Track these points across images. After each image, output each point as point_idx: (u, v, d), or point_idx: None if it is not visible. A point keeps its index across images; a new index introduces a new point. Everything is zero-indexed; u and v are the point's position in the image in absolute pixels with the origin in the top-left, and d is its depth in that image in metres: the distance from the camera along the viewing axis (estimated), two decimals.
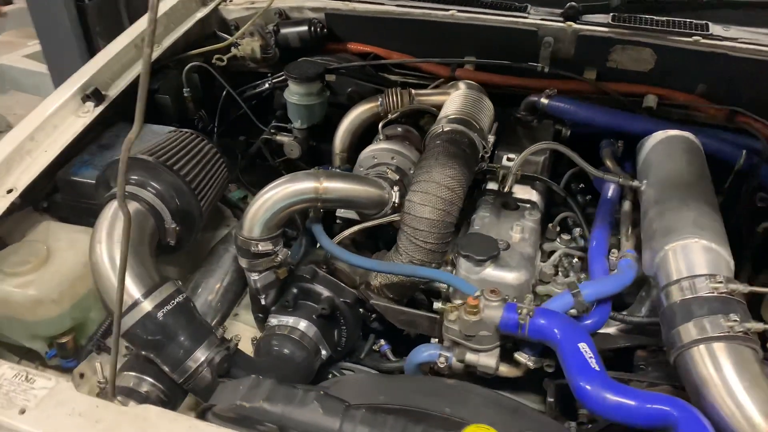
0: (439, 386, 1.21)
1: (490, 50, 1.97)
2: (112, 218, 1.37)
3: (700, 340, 1.13)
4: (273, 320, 1.53)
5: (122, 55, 1.87)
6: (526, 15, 1.94)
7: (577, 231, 1.66)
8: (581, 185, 1.87)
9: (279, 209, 1.43)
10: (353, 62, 2.05)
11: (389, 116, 1.79)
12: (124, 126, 1.80)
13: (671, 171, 1.51)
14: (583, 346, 1.22)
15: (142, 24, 1.96)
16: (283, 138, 2.00)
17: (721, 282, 1.17)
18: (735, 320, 1.12)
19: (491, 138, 1.59)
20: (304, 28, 2.04)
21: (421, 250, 1.49)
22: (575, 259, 1.56)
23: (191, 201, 1.47)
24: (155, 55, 1.91)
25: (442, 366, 1.44)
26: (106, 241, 1.33)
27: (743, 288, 1.16)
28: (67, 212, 1.65)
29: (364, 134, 1.91)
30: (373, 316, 1.63)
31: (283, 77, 1.98)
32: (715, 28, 1.85)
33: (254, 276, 1.49)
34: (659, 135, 1.68)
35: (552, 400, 1.36)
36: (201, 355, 1.26)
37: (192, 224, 1.50)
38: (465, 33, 1.97)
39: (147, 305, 1.25)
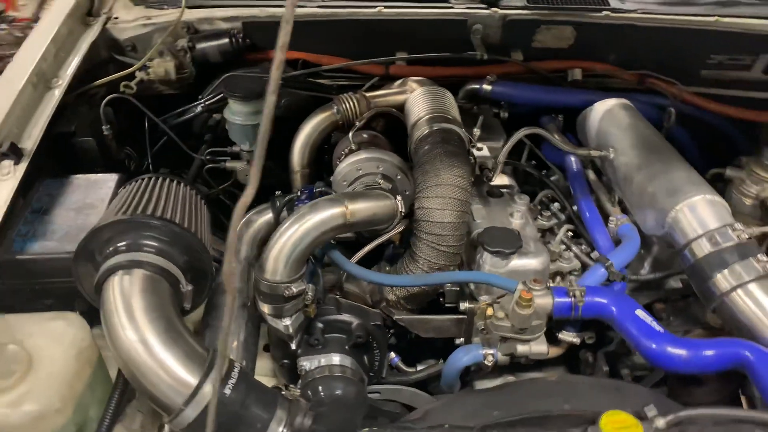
0: (543, 386, 1.22)
1: (421, 43, 1.97)
2: (123, 295, 1.14)
3: (739, 285, 1.27)
4: (305, 363, 1.40)
5: (22, 99, 1.54)
6: (451, 5, 1.96)
7: (555, 206, 1.75)
8: (533, 161, 1.97)
9: (307, 244, 1.30)
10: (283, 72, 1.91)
11: (357, 123, 1.71)
12: (51, 183, 1.50)
13: (638, 137, 1.65)
14: (639, 313, 1.30)
15: (31, 58, 1.62)
16: (234, 164, 1.81)
17: (740, 229, 1.32)
18: (764, 260, 1.28)
19: (476, 131, 1.60)
20: (225, 40, 1.86)
21: (442, 255, 1.46)
22: (570, 233, 1.65)
23: (202, 256, 1.27)
24: (57, 95, 1.60)
25: (489, 364, 1.45)
26: (131, 324, 1.10)
27: (757, 231, 1.33)
28: (13, 299, 1.34)
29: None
30: (391, 331, 1.57)
31: (217, 98, 1.79)
32: (614, 2, 2.04)
33: (285, 321, 1.35)
34: (603, 105, 1.82)
35: (608, 368, 1.43)
36: (281, 418, 1.12)
37: (204, 282, 1.30)
38: (395, 29, 1.95)
39: (211, 385, 1.08)
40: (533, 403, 1.13)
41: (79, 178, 1.52)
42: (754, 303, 1.26)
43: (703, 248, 1.34)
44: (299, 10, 1.92)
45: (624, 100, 1.84)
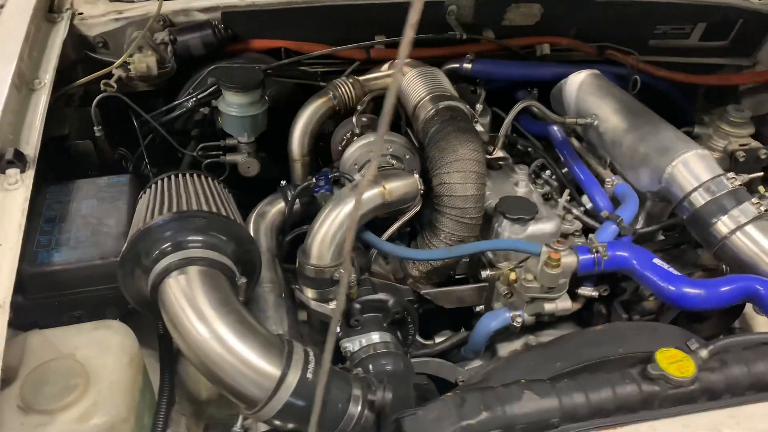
0: (593, 335, 1.30)
1: (399, 27, 1.98)
2: (186, 294, 1.11)
3: (737, 228, 1.43)
4: (348, 345, 1.42)
5: (11, 104, 1.43)
6: None
7: (547, 174, 1.85)
8: (513, 134, 2.07)
9: (352, 224, 1.32)
10: (263, 61, 1.89)
11: (358, 107, 1.72)
12: (57, 189, 1.42)
13: (618, 103, 1.78)
14: (657, 261, 1.43)
15: (7, 59, 1.51)
16: (234, 157, 1.77)
17: (734, 177, 1.48)
18: (757, 202, 1.43)
19: (479, 107, 1.67)
20: (208, 31, 1.80)
21: (466, 227, 1.52)
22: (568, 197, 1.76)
23: (251, 247, 1.26)
24: (43, 98, 1.50)
25: (518, 325, 1.54)
26: (202, 322, 1.08)
27: (747, 177, 1.49)
28: (38, 314, 1.27)
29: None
30: (416, 305, 1.62)
31: (209, 91, 1.75)
32: None
33: (332, 305, 1.36)
34: (577, 77, 1.94)
35: (626, 316, 1.56)
36: (357, 396, 1.13)
37: (253, 273, 1.29)
38: (373, 13, 1.97)
39: (294, 373, 1.08)
40: (589, 351, 1.22)
41: (86, 182, 1.45)
42: (753, 242, 1.42)
43: (700, 199, 1.49)
44: None
45: (595, 71, 1.97)
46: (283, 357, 1.09)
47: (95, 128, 1.59)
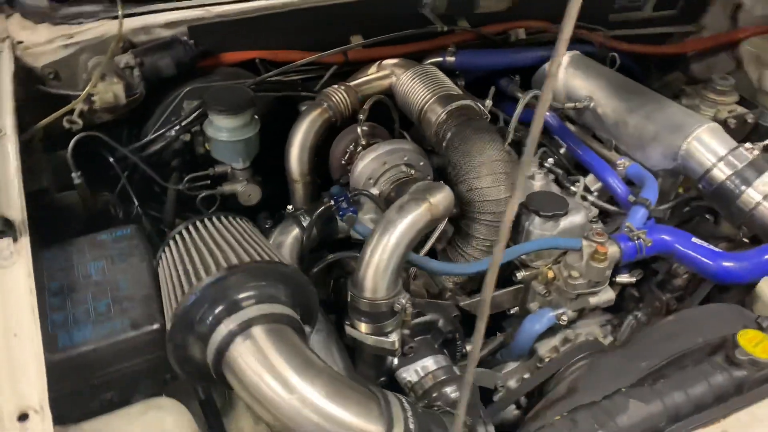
0: (668, 328, 1.27)
1: (375, 24, 1.89)
2: (261, 361, 0.97)
3: (765, 197, 1.45)
4: (405, 375, 1.32)
5: None
6: None
7: (550, 161, 1.82)
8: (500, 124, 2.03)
9: (403, 251, 1.21)
10: (239, 75, 1.72)
11: (361, 117, 1.60)
12: (52, 255, 1.21)
13: (612, 82, 1.78)
14: (696, 240, 1.43)
15: None
16: (232, 186, 1.60)
17: (751, 147, 1.50)
18: None
19: (489, 102, 1.60)
20: (179, 49, 1.61)
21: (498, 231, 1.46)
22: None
23: (308, 289, 1.12)
24: (11, 148, 1.28)
25: (564, 324, 1.50)
26: (286, 390, 0.94)
27: (760, 145, 1.52)
28: (64, 406, 1.08)
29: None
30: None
31: (194, 116, 1.56)
32: None
33: (391, 337, 1.25)
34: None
35: (665, 297, 1.55)
36: None
37: (311, 318, 1.16)
38: (347, 12, 1.84)
39: (399, 428, 0.97)
40: (669, 346, 1.19)
41: (84, 241, 1.25)
42: None
43: (722, 173, 1.50)
44: (245, 5, 1.73)
45: (575, 52, 1.95)
46: (381, 411, 0.98)
47: (73, 175, 1.37)
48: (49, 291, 1.13)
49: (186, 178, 1.60)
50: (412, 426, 0.99)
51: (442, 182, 1.41)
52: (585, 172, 1.81)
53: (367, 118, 1.76)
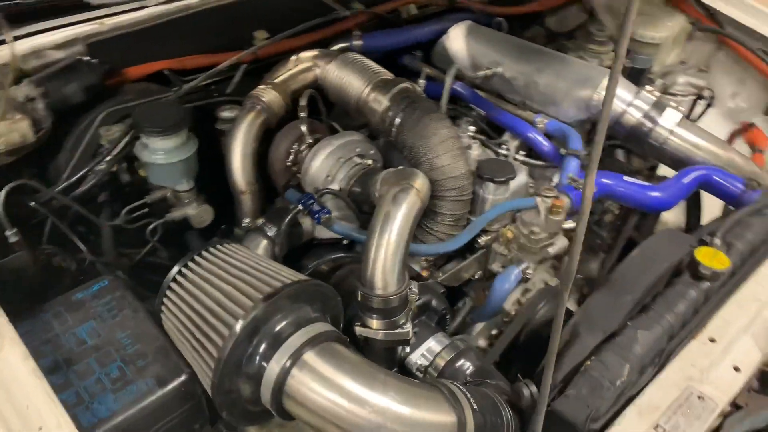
0: (637, 260, 1.39)
1: (277, 16, 1.82)
2: (328, 386, 0.94)
3: (671, 132, 1.66)
4: (416, 361, 1.35)
5: None
6: None
7: (472, 129, 1.90)
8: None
9: (407, 241, 1.22)
10: (151, 91, 1.57)
11: (301, 114, 1.54)
12: (29, 327, 1.05)
13: (515, 47, 1.89)
14: (627, 179, 1.61)
15: None
16: (183, 210, 1.46)
17: (650, 89, 1.70)
18: (675, 106, 1.68)
19: (422, 82, 1.62)
20: (86, 72, 1.43)
21: (464, 203, 1.52)
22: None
23: (336, 299, 1.09)
24: None
25: (530, 277, 1.61)
26: (362, 407, 0.93)
27: (659, 85, 1.72)
28: None
29: None
30: None
31: (123, 144, 1.41)
32: None
33: (406, 327, 1.26)
34: (457, 30, 1.99)
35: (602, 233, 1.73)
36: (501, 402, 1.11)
37: (338, 325, 1.13)
38: (250, 8, 1.75)
39: (467, 411, 1.00)
40: (645, 276, 1.34)
41: (55, 306, 1.10)
42: (684, 141, 1.67)
43: (632, 117, 1.69)
44: (144, 13, 1.58)
45: (469, 22, 2.04)
46: (447, 401, 1.01)
47: (9, 233, 1.18)
48: (44, 369, 0.99)
49: (124, 211, 1.45)
50: (475, 406, 1.03)
51: (411, 168, 1.43)
52: (500, 135, 1.93)
53: (289, 114, 1.71)
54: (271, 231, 1.43)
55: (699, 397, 1.14)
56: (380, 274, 1.20)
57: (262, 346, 0.96)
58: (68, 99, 1.42)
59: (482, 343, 1.74)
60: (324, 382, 0.95)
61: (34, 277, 1.17)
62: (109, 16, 1.52)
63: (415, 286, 1.29)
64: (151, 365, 1.02)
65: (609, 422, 1.11)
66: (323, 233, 1.53)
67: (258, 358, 0.96)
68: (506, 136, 1.92)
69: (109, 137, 1.45)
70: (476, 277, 1.69)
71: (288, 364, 0.95)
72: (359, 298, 1.23)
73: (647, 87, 1.72)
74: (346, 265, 1.54)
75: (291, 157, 1.59)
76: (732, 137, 2.10)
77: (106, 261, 1.38)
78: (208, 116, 1.67)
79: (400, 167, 1.41)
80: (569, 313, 1.62)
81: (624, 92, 1.71)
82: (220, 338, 0.95)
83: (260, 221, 1.45)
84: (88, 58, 1.47)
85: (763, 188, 1.58)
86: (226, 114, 1.65)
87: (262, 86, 1.60)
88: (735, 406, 1.21)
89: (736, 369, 1.22)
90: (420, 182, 1.30)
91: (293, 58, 1.74)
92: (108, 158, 1.39)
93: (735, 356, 1.23)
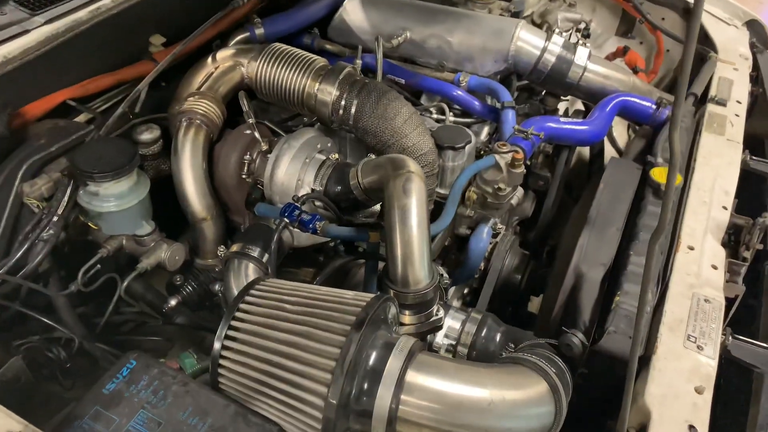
0: (608, 193, 1.48)
1: (169, 17, 1.62)
2: (436, 401, 0.92)
3: (585, 69, 1.79)
4: (442, 342, 1.35)
5: None
6: None
7: None
8: None
9: (428, 232, 1.20)
10: (68, 129, 1.33)
11: (249, 120, 1.41)
12: None
13: (418, 10, 1.89)
14: (562, 119, 1.72)
15: None
16: (155, 255, 1.27)
17: (558, 31, 1.80)
18: (582, 42, 1.80)
19: (358, 62, 1.54)
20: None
21: (434, 177, 1.53)
22: None
23: (391, 309, 1.04)
24: None
25: (501, 231, 1.67)
26: (481, 413, 0.93)
27: (565, 27, 1.83)
28: None
29: None
30: None
31: (65, 202, 1.18)
32: None
33: (439, 314, 1.25)
34: (352, 3, 1.93)
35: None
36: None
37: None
38: (139, 14, 1.53)
39: (552, 375, 1.03)
40: (619, 205, 1.46)
41: (85, 407, 0.92)
42: (596, 74, 1.81)
43: (548, 60, 1.78)
44: (29, 38, 1.31)
45: None
46: (531, 371, 1.03)
47: None
48: None
49: (80, 273, 1.23)
50: (553, 369, 1.07)
51: (395, 154, 1.39)
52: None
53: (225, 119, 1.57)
54: (255, 252, 1.32)
55: (706, 301, 1.28)
56: (411, 270, 1.18)
57: (366, 381, 0.90)
58: None
59: (456, 303, 1.78)
60: (437, 397, 0.92)
61: (30, 382, 0.96)
62: (14, 38, 1.24)
63: (444, 271, 1.28)
64: None
65: (648, 346, 1.21)
66: (302, 241, 1.45)
67: (364, 394, 0.90)
68: (424, 101, 1.93)
69: (35, 194, 1.21)
70: (446, 244, 1.71)
71: (396, 393, 0.91)
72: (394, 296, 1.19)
73: (556, 30, 1.82)
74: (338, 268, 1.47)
75: (245, 169, 1.46)
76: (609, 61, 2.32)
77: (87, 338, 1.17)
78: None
79: (370, 156, 1.37)
80: (525, 256, 1.74)
81: (536, 39, 1.80)
82: (318, 384, 0.87)
83: (237, 246, 1.32)
84: None
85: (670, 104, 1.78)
86: (145, 136, 1.46)
87: (191, 98, 1.44)
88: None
89: (714, 267, 1.39)
90: (414, 166, 1.27)
91: (208, 60, 1.57)
92: (55, 219, 1.16)
93: (709, 256, 1.40)
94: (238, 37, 1.76)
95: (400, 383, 0.91)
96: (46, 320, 1.11)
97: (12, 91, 1.29)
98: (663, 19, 2.36)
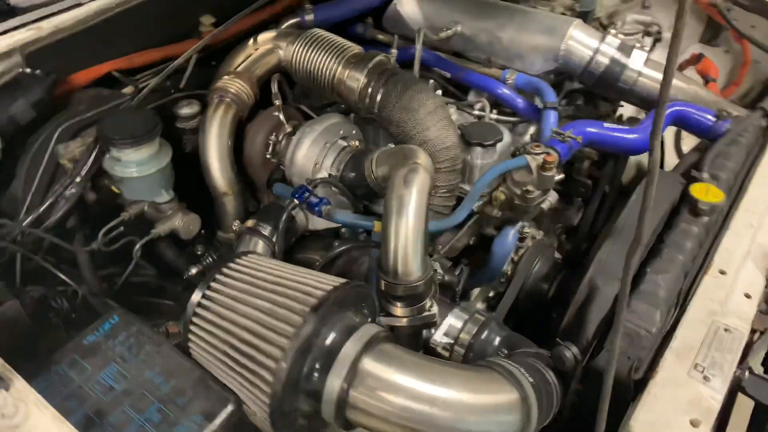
0: (636, 207, 1.43)
1: (223, 0, 1.68)
2: (392, 390, 0.90)
3: (639, 74, 1.68)
4: (441, 340, 1.32)
5: None
6: None
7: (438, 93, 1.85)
8: None
9: (425, 223, 1.18)
10: (105, 97, 1.43)
11: (276, 102, 1.45)
12: (44, 383, 0.93)
13: (473, 3, 1.85)
14: (606, 125, 1.62)
15: None
16: (169, 223, 1.35)
17: (614, 32, 1.70)
18: (641, 45, 1.70)
19: (394, 51, 1.54)
20: (33, 88, 1.27)
21: (457, 173, 1.49)
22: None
23: (372, 297, 1.04)
24: None
25: (527, 236, 1.62)
26: (433, 406, 0.90)
27: (621, 28, 1.73)
28: None
29: None
30: None
31: (89, 163, 1.27)
32: None
33: (433, 309, 1.23)
34: None
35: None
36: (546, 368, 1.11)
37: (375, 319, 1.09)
38: None
39: (526, 387, 0.99)
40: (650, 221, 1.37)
41: (65, 355, 0.99)
42: (651, 80, 1.70)
43: (601, 63, 1.69)
44: (82, 11, 1.42)
45: None
46: (504, 378, 0.99)
47: None
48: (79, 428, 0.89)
49: (101, 233, 1.32)
50: (531, 379, 1.02)
51: (409, 145, 1.38)
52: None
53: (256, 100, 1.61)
54: (266, 230, 1.35)
55: (725, 330, 1.18)
56: (403, 262, 1.16)
57: (318, 361, 0.91)
58: (16, 119, 1.27)
59: (480, 306, 1.74)
60: (386, 388, 0.91)
61: (27, 325, 1.05)
62: (43, 20, 1.35)
63: (439, 267, 1.26)
64: (194, 401, 0.94)
65: (649, 370, 1.13)
66: (317, 224, 1.47)
67: (315, 374, 0.90)
68: (471, 96, 1.89)
69: (69, 156, 1.31)
70: (471, 243, 1.68)
71: (348, 376, 0.90)
72: (383, 288, 1.19)
73: (612, 31, 1.72)
74: (344, 254, 1.48)
75: (270, 149, 1.49)
76: (681, 69, 2.17)
77: (95, 292, 1.26)
78: (167, 116, 1.54)
79: (390, 145, 1.36)
80: (557, 265, 1.66)
81: (589, 39, 1.71)
82: (271, 360, 0.89)
83: (251, 222, 1.36)
84: (30, 69, 1.31)
85: (731, 117, 1.64)
86: (185, 111, 1.53)
87: (226, 77, 1.49)
88: (752, 331, 1.27)
89: (747, 296, 1.27)
90: (423, 158, 1.25)
91: (250, 42, 1.62)
92: (78, 180, 1.25)
93: (744, 284, 1.28)
94: (289, 22, 1.80)
95: (353, 368, 0.91)
96: (52, 269, 1.20)
97: (60, 60, 1.39)
98: (753, 27, 2.17)
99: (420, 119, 1.42)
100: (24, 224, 1.21)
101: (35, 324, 1.09)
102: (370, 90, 1.46)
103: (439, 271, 1.22)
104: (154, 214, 1.37)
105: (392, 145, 1.43)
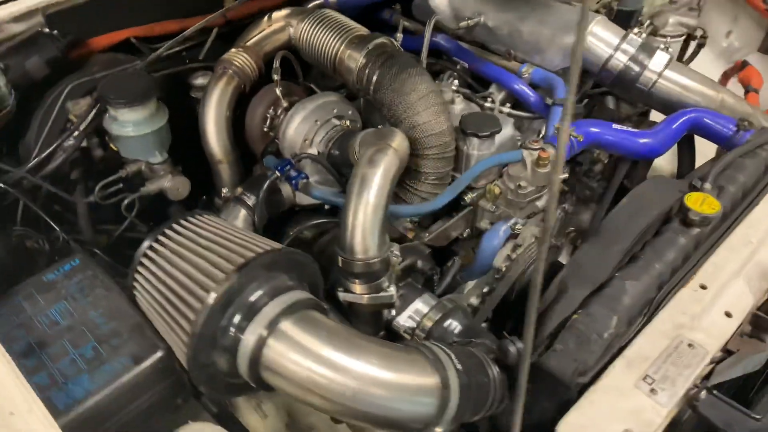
0: (627, 208, 1.34)
1: None
2: (305, 354, 0.92)
3: (660, 75, 1.60)
4: (403, 323, 1.33)
5: None
6: None
7: (455, 83, 1.84)
8: None
9: (386, 202, 1.19)
10: (118, 61, 1.52)
11: (275, 77, 1.49)
12: None
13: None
14: (616, 126, 1.56)
15: None
16: (158, 183, 1.43)
17: (638, 32, 1.63)
18: (664, 48, 1.61)
19: (399, 36, 1.56)
20: (48, 45, 1.38)
21: (448, 161, 1.48)
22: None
23: (313, 267, 1.07)
24: None
25: (519, 232, 1.58)
26: (341, 374, 0.91)
27: (645, 27, 1.65)
28: None
29: None
30: None
31: (89, 119, 1.36)
32: None
33: (390, 290, 1.24)
34: None
35: (595, 185, 1.69)
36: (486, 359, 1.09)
37: (318, 293, 1.11)
38: None
39: (450, 372, 0.98)
40: (634, 224, 1.31)
41: (25, 288, 1.07)
42: (674, 83, 1.61)
43: (620, 61, 1.62)
44: None
45: None
46: (429, 362, 0.99)
47: None
48: (14, 354, 0.97)
49: (98, 187, 1.41)
50: (459, 366, 1.01)
51: (390, 127, 1.39)
52: (486, 87, 1.87)
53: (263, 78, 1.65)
54: (250, 200, 1.40)
55: (689, 345, 1.11)
56: (360, 239, 1.18)
57: (237, 318, 0.94)
58: (30, 74, 1.37)
59: (474, 301, 1.71)
60: (302, 351, 0.93)
61: (6, 260, 1.14)
62: None
63: (396, 249, 1.26)
64: (127, 343, 1.00)
65: (597, 375, 1.09)
66: (304, 200, 1.50)
67: (233, 329, 0.94)
68: (492, 89, 1.86)
69: (76, 112, 1.41)
70: (464, 235, 1.66)
71: (263, 334, 0.93)
72: (340, 264, 1.21)
73: (635, 29, 1.65)
74: (330, 231, 1.51)
75: (268, 123, 1.54)
76: (725, 77, 2.04)
77: (80, 239, 1.35)
78: (182, 85, 1.62)
79: (379, 127, 1.37)
80: (557, 265, 1.61)
81: (610, 36, 1.64)
82: (192, 312, 0.93)
83: (238, 190, 1.41)
84: (48, 29, 1.41)
85: (755, 128, 1.53)
86: (199, 81, 1.60)
87: (233, 50, 1.55)
88: (727, 351, 1.19)
89: (728, 314, 1.19)
90: (398, 141, 1.26)
91: (265, 18, 1.67)
92: (76, 133, 1.34)
93: (726, 302, 1.20)
94: (312, 4, 1.84)
95: (271, 327, 0.93)
96: (38, 211, 1.29)
97: (81, 23, 1.49)
98: None
99: (411, 103, 1.42)
100: (24, 170, 1.31)
101: (17, 261, 1.18)
102: (367, 71, 1.47)
103: (396, 252, 1.22)
104: (149, 173, 1.45)
105: (381, 127, 1.44)
